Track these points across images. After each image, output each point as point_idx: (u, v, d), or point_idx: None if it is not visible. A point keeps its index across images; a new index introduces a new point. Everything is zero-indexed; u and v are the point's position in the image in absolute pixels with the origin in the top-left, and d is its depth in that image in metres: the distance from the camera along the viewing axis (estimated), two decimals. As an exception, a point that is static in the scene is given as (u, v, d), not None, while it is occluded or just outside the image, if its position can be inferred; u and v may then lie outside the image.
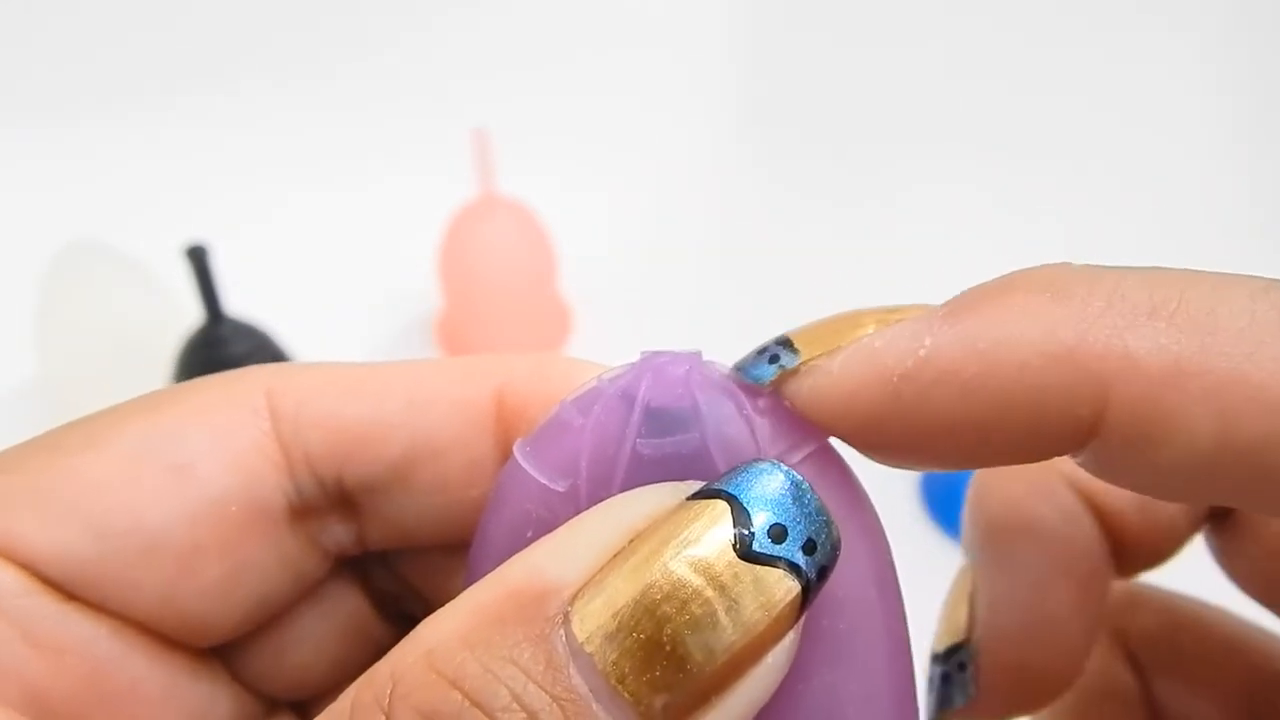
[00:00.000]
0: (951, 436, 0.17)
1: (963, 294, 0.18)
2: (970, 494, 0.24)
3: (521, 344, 0.68)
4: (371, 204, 0.78)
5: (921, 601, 0.24)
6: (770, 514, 0.16)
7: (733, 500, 0.16)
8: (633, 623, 0.15)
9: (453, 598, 0.16)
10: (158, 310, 0.62)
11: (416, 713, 0.15)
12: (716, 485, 0.17)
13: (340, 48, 0.89)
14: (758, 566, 0.16)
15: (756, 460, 0.17)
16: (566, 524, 0.17)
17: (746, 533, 0.16)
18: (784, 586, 0.16)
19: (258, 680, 0.22)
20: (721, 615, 0.15)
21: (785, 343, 0.18)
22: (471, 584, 0.16)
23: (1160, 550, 0.24)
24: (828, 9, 0.91)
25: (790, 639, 0.16)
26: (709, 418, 0.18)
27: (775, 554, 0.16)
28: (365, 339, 0.71)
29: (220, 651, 0.21)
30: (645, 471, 0.18)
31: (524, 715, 0.15)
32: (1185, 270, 0.17)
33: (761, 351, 0.18)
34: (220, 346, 0.55)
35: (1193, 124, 0.83)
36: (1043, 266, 0.17)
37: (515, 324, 0.69)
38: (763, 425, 0.18)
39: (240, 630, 0.21)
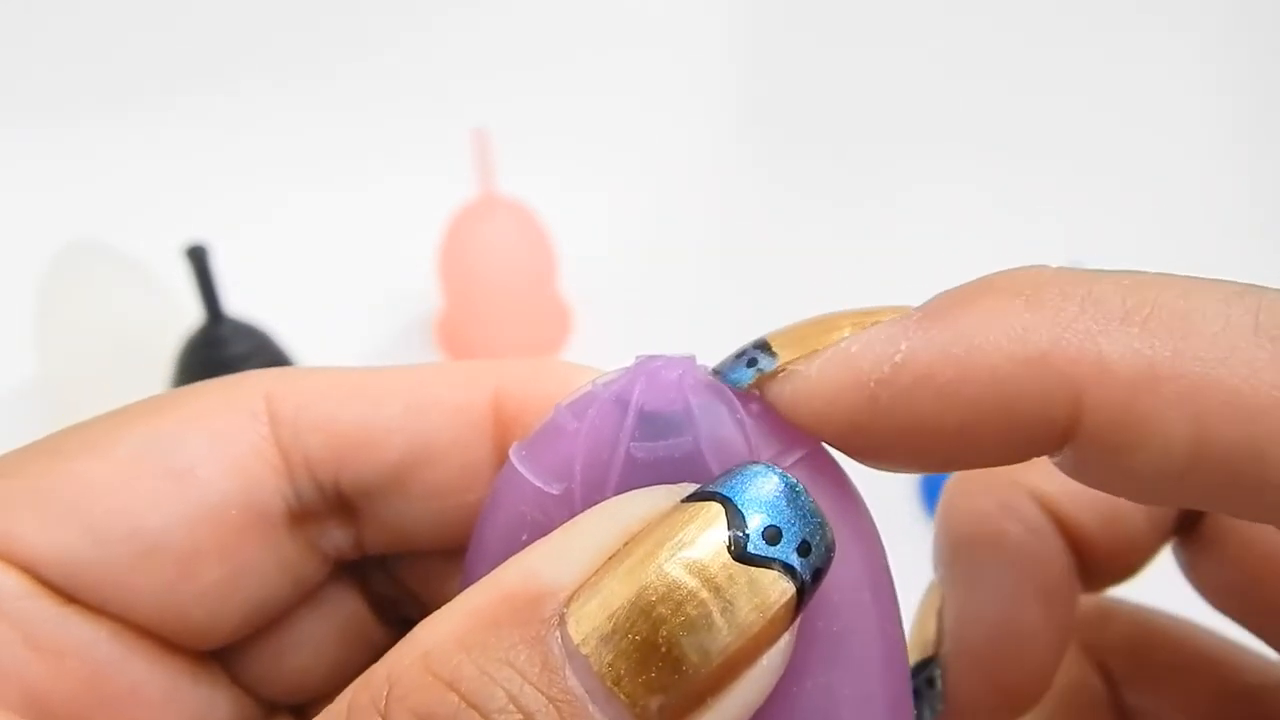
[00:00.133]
0: (929, 440, 0.17)
1: (938, 297, 0.18)
2: (939, 509, 0.24)
3: (521, 344, 0.68)
4: (371, 204, 0.78)
5: (919, 602, 0.24)
6: (765, 516, 0.16)
7: (727, 503, 0.16)
8: (628, 624, 0.15)
9: (449, 601, 0.16)
10: (158, 310, 0.62)
11: (413, 714, 0.15)
12: (711, 488, 0.17)
13: (340, 48, 0.89)
14: (752, 568, 0.16)
15: (750, 463, 0.17)
16: (561, 527, 0.17)
17: (741, 535, 0.16)
18: (779, 588, 0.16)
19: (256, 683, 0.22)
20: (717, 617, 0.15)
21: (763, 346, 0.18)
22: (467, 587, 0.17)
23: (1126, 565, 0.24)
24: (828, 9, 0.91)
25: (785, 641, 0.16)
26: (702, 422, 0.18)
27: (770, 556, 0.16)
28: (365, 339, 0.71)
29: (219, 655, 0.21)
30: (639, 475, 0.18)
31: (520, 716, 0.15)
32: (1160, 274, 0.17)
33: (739, 355, 0.19)
34: (220, 346, 0.55)
35: (1193, 124, 0.83)
36: (1018, 269, 0.17)
37: (515, 324, 0.69)
38: (756, 429, 0.18)
39: (239, 633, 0.21)
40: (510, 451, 0.19)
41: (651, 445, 0.18)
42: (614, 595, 0.15)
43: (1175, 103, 0.85)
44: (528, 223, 0.66)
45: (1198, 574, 0.24)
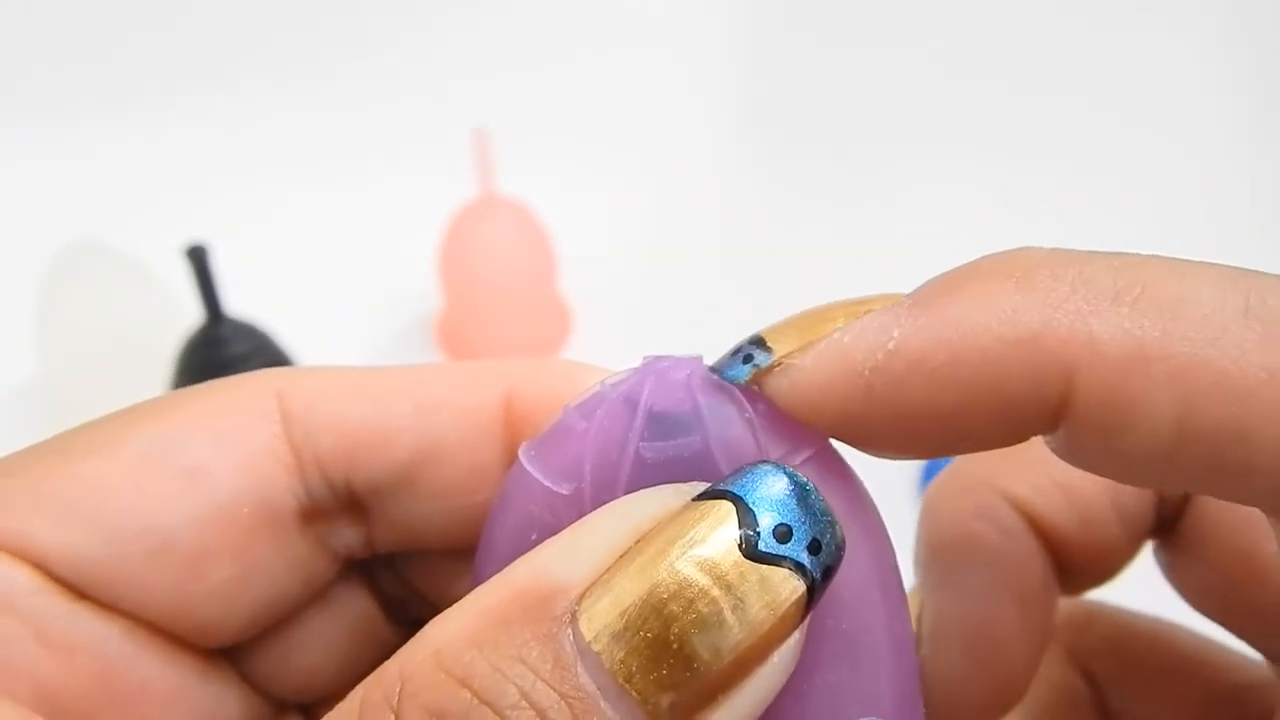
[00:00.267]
0: (925, 425, 0.17)
1: (929, 282, 0.18)
2: (920, 513, 0.24)
3: (521, 344, 0.68)
4: (371, 204, 0.78)
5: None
6: (775, 514, 0.16)
7: (738, 501, 0.16)
8: (640, 622, 0.15)
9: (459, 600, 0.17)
10: (158, 310, 0.62)
11: (425, 711, 0.15)
12: (722, 486, 0.17)
13: (340, 48, 0.89)
14: (763, 566, 0.16)
15: (761, 461, 0.17)
16: (572, 525, 0.17)
17: (752, 533, 0.16)
18: (789, 586, 0.16)
19: (266, 682, 0.22)
20: (728, 614, 0.16)
21: (758, 341, 0.19)
22: (477, 587, 0.17)
23: (1104, 567, 0.24)
24: (828, 9, 0.91)
25: (795, 638, 0.16)
26: (711, 421, 0.18)
27: (781, 554, 0.16)
28: (365, 339, 0.71)
29: (229, 653, 0.21)
30: (649, 475, 0.18)
31: (532, 713, 0.15)
32: (1151, 256, 0.17)
33: (735, 352, 0.19)
34: (220, 346, 0.55)
35: (1193, 124, 0.83)
36: (1009, 251, 0.17)
37: (515, 324, 0.69)
38: (764, 428, 0.18)
39: (249, 632, 0.21)
40: (519, 452, 0.19)
41: (661, 445, 0.18)
42: (625, 593, 0.16)
43: (1175, 103, 0.85)
44: (528, 223, 0.66)
45: (1178, 576, 0.24)
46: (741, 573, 0.16)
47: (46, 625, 0.19)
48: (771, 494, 0.17)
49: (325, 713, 0.17)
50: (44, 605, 0.19)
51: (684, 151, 0.84)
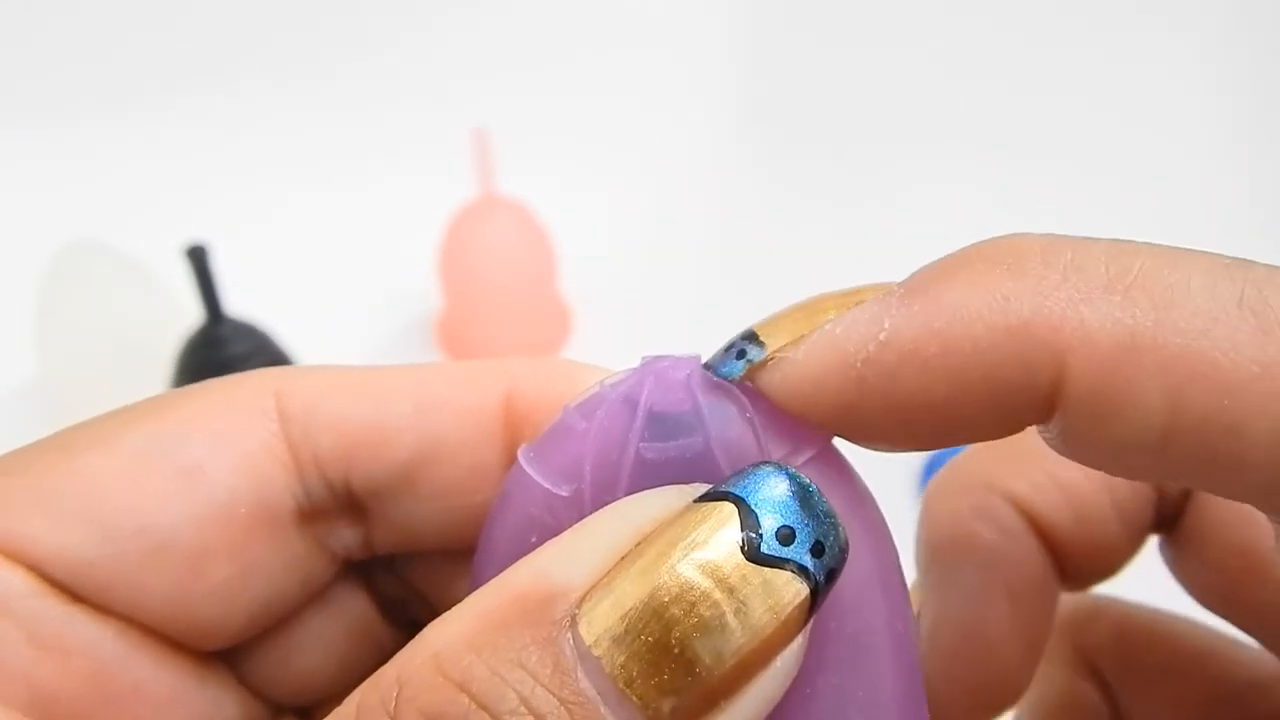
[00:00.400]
0: (919, 416, 0.17)
1: (920, 271, 0.17)
2: (920, 512, 0.24)
3: (521, 344, 0.68)
4: (371, 204, 0.78)
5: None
6: (778, 516, 0.16)
7: (740, 502, 0.16)
8: (641, 625, 0.15)
9: (458, 603, 0.16)
10: (158, 310, 0.62)
11: (423, 715, 0.15)
12: (723, 488, 0.17)
13: (340, 48, 0.89)
14: (766, 569, 0.16)
15: (763, 463, 0.17)
16: (572, 527, 0.17)
17: (755, 535, 0.16)
18: (793, 589, 0.16)
19: (263, 684, 0.21)
20: (730, 618, 0.15)
21: (751, 336, 0.18)
22: (477, 588, 0.16)
23: (1105, 564, 0.24)
24: (828, 9, 0.91)
25: (799, 642, 0.16)
26: (711, 421, 0.18)
27: (784, 556, 0.16)
28: (365, 339, 0.71)
29: (226, 655, 0.21)
30: (649, 475, 0.18)
31: (531, 718, 0.15)
32: (1145, 243, 0.16)
33: (729, 348, 0.18)
34: (220, 346, 0.55)
35: (1193, 124, 0.83)
36: (1000, 238, 0.17)
37: (515, 324, 0.69)
38: (766, 428, 0.18)
39: (246, 633, 0.21)
40: (519, 453, 0.19)
41: (661, 446, 0.18)
42: (626, 596, 0.15)
43: (1175, 103, 0.85)
44: (528, 223, 0.66)
45: (1183, 571, 0.24)
46: (744, 575, 0.16)
47: (41, 628, 0.18)
48: (774, 496, 0.16)
49: (323, 716, 0.16)
50: (38, 608, 0.18)
51: (684, 151, 0.83)
